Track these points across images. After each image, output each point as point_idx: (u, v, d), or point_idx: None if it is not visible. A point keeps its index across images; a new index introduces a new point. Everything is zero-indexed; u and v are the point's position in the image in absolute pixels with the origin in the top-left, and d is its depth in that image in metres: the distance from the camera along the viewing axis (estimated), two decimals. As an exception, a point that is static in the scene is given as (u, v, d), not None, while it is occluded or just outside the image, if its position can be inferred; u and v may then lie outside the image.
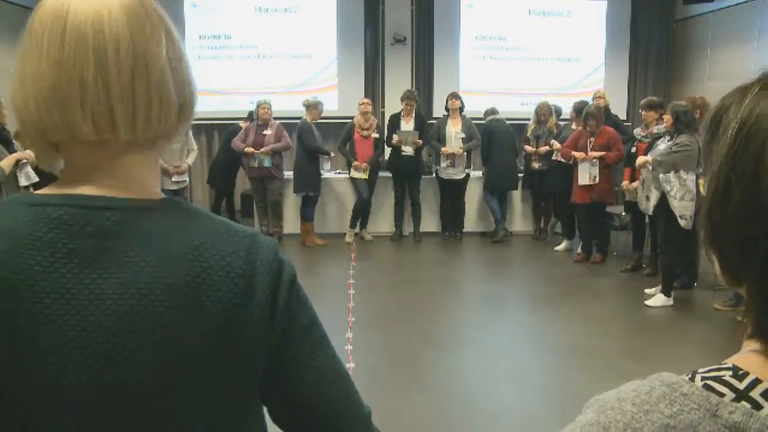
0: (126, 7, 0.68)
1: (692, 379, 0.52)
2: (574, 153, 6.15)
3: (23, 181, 4.25)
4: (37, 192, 0.71)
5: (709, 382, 0.51)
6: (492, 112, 7.52)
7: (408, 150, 6.92)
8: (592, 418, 0.53)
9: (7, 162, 4.09)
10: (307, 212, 6.90)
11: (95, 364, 0.64)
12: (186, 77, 0.74)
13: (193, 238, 0.69)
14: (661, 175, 4.80)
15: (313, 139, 6.70)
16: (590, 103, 6.68)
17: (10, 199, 0.70)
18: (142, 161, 0.73)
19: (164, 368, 0.66)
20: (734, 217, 0.51)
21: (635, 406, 0.51)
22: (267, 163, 6.73)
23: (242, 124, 7.14)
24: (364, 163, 6.85)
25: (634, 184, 5.46)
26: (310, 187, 6.81)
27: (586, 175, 6.06)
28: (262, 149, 6.68)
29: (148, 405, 0.66)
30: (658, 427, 0.49)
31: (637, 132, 5.90)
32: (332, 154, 6.99)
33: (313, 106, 6.82)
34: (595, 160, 6.02)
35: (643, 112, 5.77)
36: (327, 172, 7.24)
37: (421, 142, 6.92)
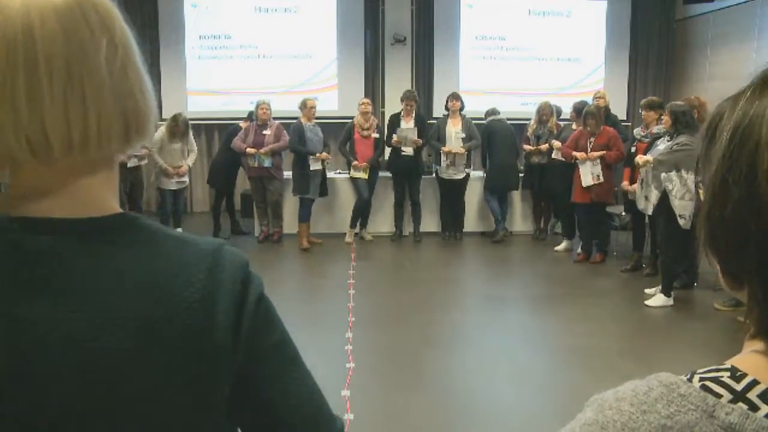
0: (60, 13, 0.61)
1: (690, 380, 0.52)
2: (575, 153, 6.15)
3: None
4: None
5: (707, 383, 0.52)
6: (493, 112, 7.53)
7: (408, 150, 6.92)
8: (591, 417, 0.53)
9: None
10: (300, 213, 6.88)
11: (45, 397, 0.60)
12: (133, 88, 0.66)
13: (147, 262, 0.65)
14: (663, 174, 4.80)
15: (294, 140, 6.67)
16: (590, 103, 6.68)
17: None
18: (93, 180, 0.67)
19: (118, 397, 0.63)
20: (732, 218, 0.51)
21: (633, 406, 0.51)
22: (267, 163, 6.73)
23: (242, 124, 7.14)
24: (364, 163, 6.85)
25: (635, 186, 5.46)
26: (298, 188, 6.78)
27: (589, 176, 6.05)
28: (262, 149, 6.68)
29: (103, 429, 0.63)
30: (655, 427, 0.50)
31: (637, 132, 5.90)
32: (318, 154, 6.71)
33: (301, 106, 6.80)
34: (596, 161, 6.02)
35: (643, 112, 5.78)
36: (329, 173, 7.21)
37: (420, 141, 6.91)
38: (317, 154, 6.69)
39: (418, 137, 6.88)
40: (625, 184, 5.78)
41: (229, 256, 0.70)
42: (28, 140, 0.60)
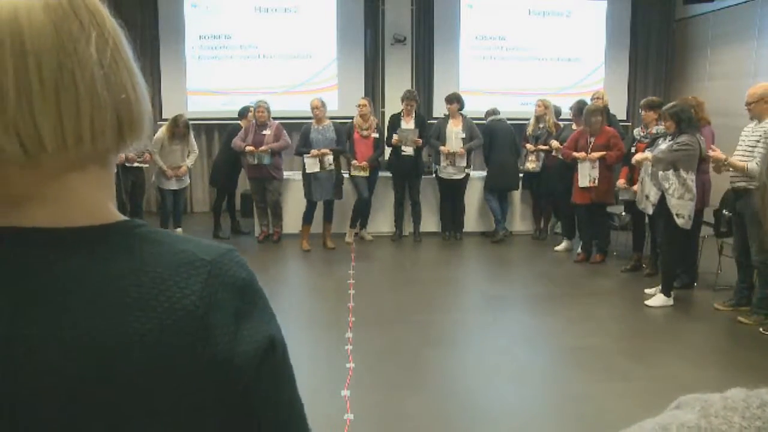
0: (48, 6, 0.60)
1: None
2: (575, 154, 6.14)
3: None
4: None
5: None
6: (493, 112, 7.54)
7: (408, 150, 6.92)
8: (692, 420, 0.48)
9: None
10: (304, 214, 6.88)
11: (35, 419, 0.58)
12: (125, 83, 0.64)
13: (140, 275, 0.61)
14: (660, 173, 4.80)
15: (299, 143, 6.66)
16: (590, 103, 6.67)
17: None
18: (87, 180, 0.64)
19: (114, 418, 0.59)
20: None
21: (745, 420, 0.47)
22: (266, 161, 6.72)
23: (242, 123, 7.14)
24: (364, 162, 6.83)
25: (634, 187, 5.46)
26: (304, 191, 6.77)
27: (586, 178, 6.05)
28: (261, 148, 6.67)
29: None
30: None
31: (637, 132, 5.90)
32: (313, 151, 6.56)
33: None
34: (595, 162, 6.01)
35: (642, 112, 5.77)
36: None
37: (420, 141, 6.91)
38: (311, 152, 6.56)
39: (419, 137, 6.88)
40: (621, 182, 5.76)
41: (230, 267, 0.65)
42: (20, 138, 0.58)
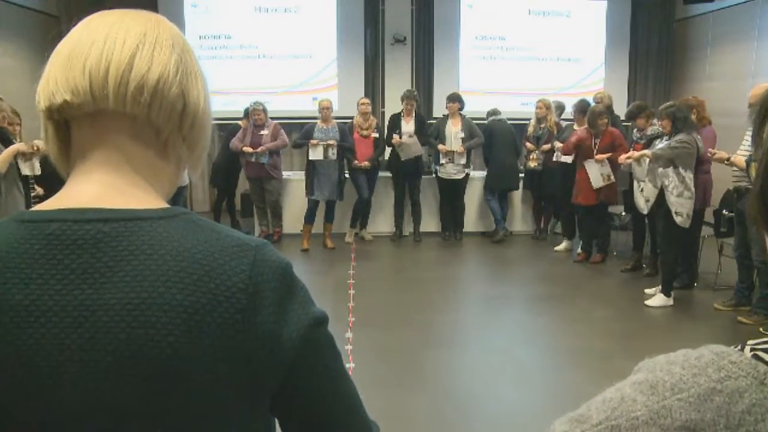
0: (151, 15, 0.75)
1: (741, 350, 0.54)
2: (587, 162, 6.11)
3: (26, 171, 4.23)
4: (32, 209, 0.69)
5: (759, 353, 0.52)
6: (494, 113, 7.53)
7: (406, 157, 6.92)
8: (641, 377, 0.55)
9: (4, 156, 4.05)
10: (305, 213, 6.86)
11: (91, 384, 0.63)
12: (199, 94, 0.76)
13: (193, 253, 0.66)
14: (660, 170, 4.80)
15: (299, 136, 6.68)
16: (592, 102, 6.66)
17: (5, 218, 0.68)
18: (144, 157, 0.72)
19: (163, 388, 0.64)
20: None
21: (684, 369, 0.53)
22: (264, 160, 6.71)
23: (242, 123, 7.14)
24: (365, 162, 6.82)
25: (626, 161, 5.33)
26: (307, 188, 6.78)
27: (599, 178, 6.04)
28: (259, 149, 6.67)
29: (146, 424, 0.65)
30: (704, 390, 0.50)
31: (634, 133, 5.91)
32: (313, 141, 6.55)
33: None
34: (604, 161, 6.01)
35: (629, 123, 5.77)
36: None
37: (422, 152, 6.91)
38: (313, 140, 6.54)
39: (417, 136, 6.86)
40: (623, 157, 5.60)
41: (272, 253, 0.72)
42: (90, 73, 0.68)
